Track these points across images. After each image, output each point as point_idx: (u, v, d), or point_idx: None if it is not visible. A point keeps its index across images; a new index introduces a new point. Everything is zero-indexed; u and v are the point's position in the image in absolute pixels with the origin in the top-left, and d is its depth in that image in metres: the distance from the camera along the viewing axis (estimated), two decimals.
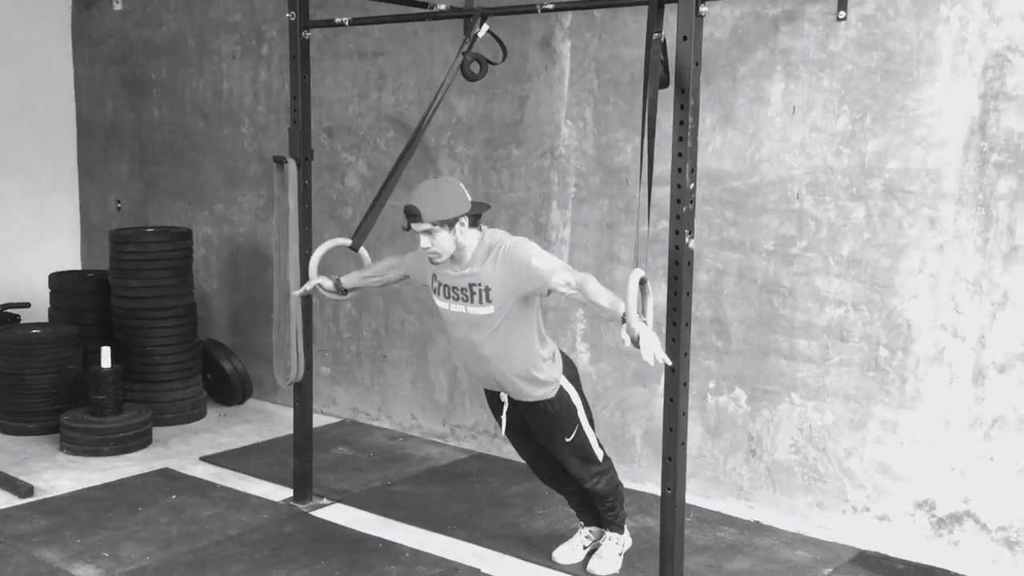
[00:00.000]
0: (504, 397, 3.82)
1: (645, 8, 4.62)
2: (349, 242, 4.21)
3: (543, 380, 3.72)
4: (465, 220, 3.55)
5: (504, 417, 3.86)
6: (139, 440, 5.53)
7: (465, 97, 5.38)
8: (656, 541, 4.30)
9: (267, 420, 6.17)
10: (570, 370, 3.86)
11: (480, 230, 3.64)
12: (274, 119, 6.31)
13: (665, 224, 4.76)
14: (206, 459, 5.41)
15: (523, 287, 3.55)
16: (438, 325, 5.63)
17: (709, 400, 4.73)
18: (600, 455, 3.91)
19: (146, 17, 6.89)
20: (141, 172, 7.14)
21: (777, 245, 4.48)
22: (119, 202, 7.32)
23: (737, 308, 4.61)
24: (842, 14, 4.20)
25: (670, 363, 3.31)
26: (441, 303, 3.76)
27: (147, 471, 5.18)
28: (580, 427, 3.82)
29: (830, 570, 4.13)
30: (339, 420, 6.11)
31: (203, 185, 6.76)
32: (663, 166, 4.74)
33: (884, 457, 4.29)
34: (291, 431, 5.79)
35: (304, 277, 4.55)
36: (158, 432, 5.77)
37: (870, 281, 4.26)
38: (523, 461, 4.96)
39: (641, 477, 4.97)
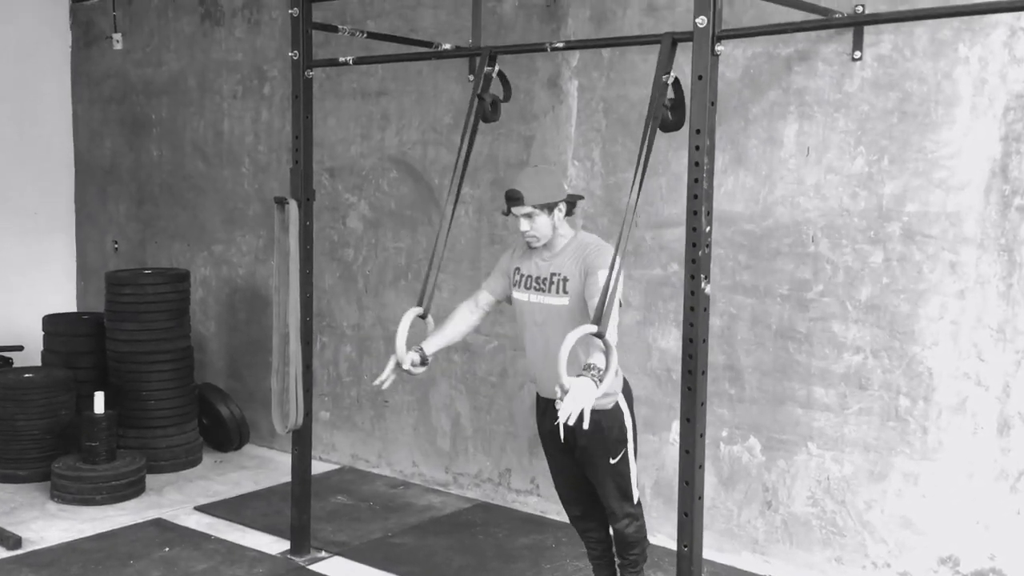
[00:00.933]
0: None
1: (653, 48, 4.59)
2: (421, 311, 3.87)
3: (603, 391, 3.57)
4: (563, 206, 3.60)
5: (561, 424, 3.67)
6: (132, 488, 5.37)
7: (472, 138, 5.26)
8: None
9: (263, 467, 6.00)
10: (628, 394, 3.76)
11: (574, 223, 3.72)
12: (275, 159, 6.21)
13: (675, 267, 4.66)
14: (201, 508, 5.24)
15: (581, 286, 3.54)
16: (443, 370, 5.50)
17: (722, 449, 4.58)
18: (636, 497, 3.80)
19: (146, 56, 6.82)
20: (139, 213, 7.03)
21: (792, 289, 4.35)
22: (116, 243, 7.20)
23: (751, 354, 4.47)
24: (857, 54, 4.10)
25: (570, 423, 3.16)
26: (520, 295, 3.72)
27: (140, 521, 5.01)
28: (626, 453, 3.71)
29: None
30: (338, 467, 5.94)
31: (202, 226, 6.65)
32: (671, 208, 4.66)
33: (906, 510, 4.14)
34: (288, 478, 5.64)
35: (308, 321, 4.44)
36: (152, 480, 5.60)
37: (889, 327, 4.13)
38: (536, 512, 4.78)
39: (651, 528, 4.75)
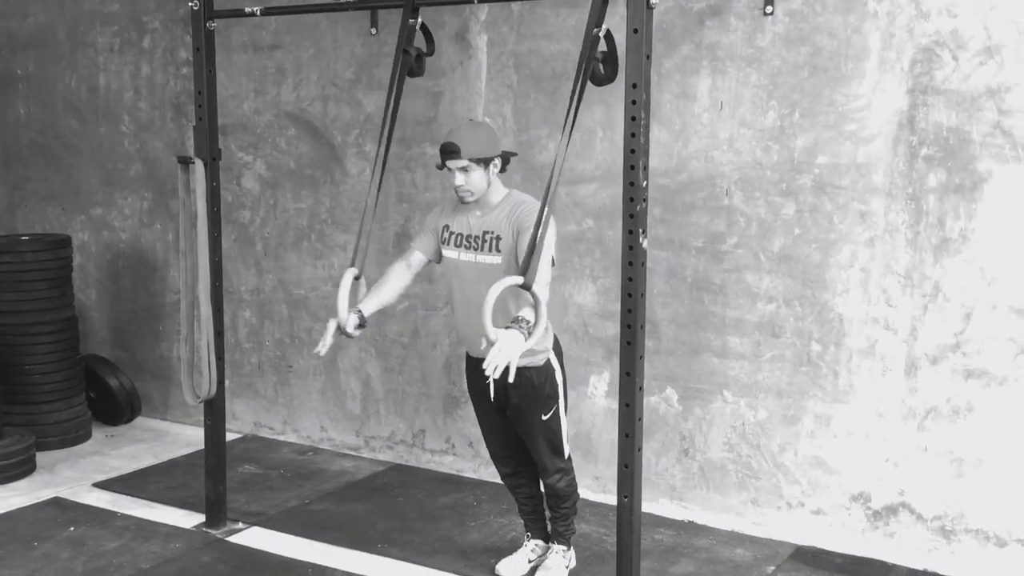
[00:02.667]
0: None
1: (563, 2, 4.56)
2: (356, 272, 3.73)
3: (534, 348, 3.55)
4: (498, 161, 3.61)
5: (492, 381, 3.63)
6: (23, 467, 5.08)
7: (374, 93, 5.14)
8: (594, 548, 4.25)
9: (160, 439, 5.77)
10: (559, 351, 3.79)
11: (507, 186, 3.72)
12: (158, 116, 5.90)
13: (590, 223, 4.68)
14: (99, 485, 5.01)
15: (514, 244, 3.54)
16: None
17: None
18: (567, 452, 3.84)
19: (9, 8, 6.35)
20: (6, 175, 6.58)
21: (707, 242, 4.43)
22: None
23: (667, 307, 4.54)
24: (769, 9, 4.17)
25: (495, 377, 3.14)
26: (451, 252, 3.69)
27: (37, 501, 4.75)
28: (557, 409, 3.74)
29: (772, 567, 4.11)
30: (240, 435, 5.77)
31: (78, 188, 6.28)
32: (585, 164, 4.66)
33: (818, 451, 4.31)
34: (188, 450, 5.50)
35: (218, 287, 4.26)
36: (42, 457, 5.32)
37: (801, 277, 4.26)
38: (453, 471, 4.79)
39: None
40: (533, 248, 3.22)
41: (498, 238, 3.59)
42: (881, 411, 4.16)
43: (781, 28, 4.18)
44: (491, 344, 3.11)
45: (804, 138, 4.18)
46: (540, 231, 3.24)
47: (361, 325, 3.67)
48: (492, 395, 3.76)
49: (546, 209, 3.26)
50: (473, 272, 3.64)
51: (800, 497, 4.36)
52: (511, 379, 3.17)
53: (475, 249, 3.63)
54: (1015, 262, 3.86)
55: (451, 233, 3.71)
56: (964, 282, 3.95)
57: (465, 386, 5.01)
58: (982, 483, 4.00)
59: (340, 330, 3.62)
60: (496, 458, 3.99)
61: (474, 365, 3.80)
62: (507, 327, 3.18)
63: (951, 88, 3.89)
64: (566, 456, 3.86)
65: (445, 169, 3.59)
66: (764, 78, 4.23)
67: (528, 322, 3.20)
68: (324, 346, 3.61)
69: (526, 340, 3.17)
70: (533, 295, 3.21)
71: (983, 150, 3.86)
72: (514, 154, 3.77)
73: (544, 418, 3.74)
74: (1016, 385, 3.90)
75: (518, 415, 3.76)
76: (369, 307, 3.71)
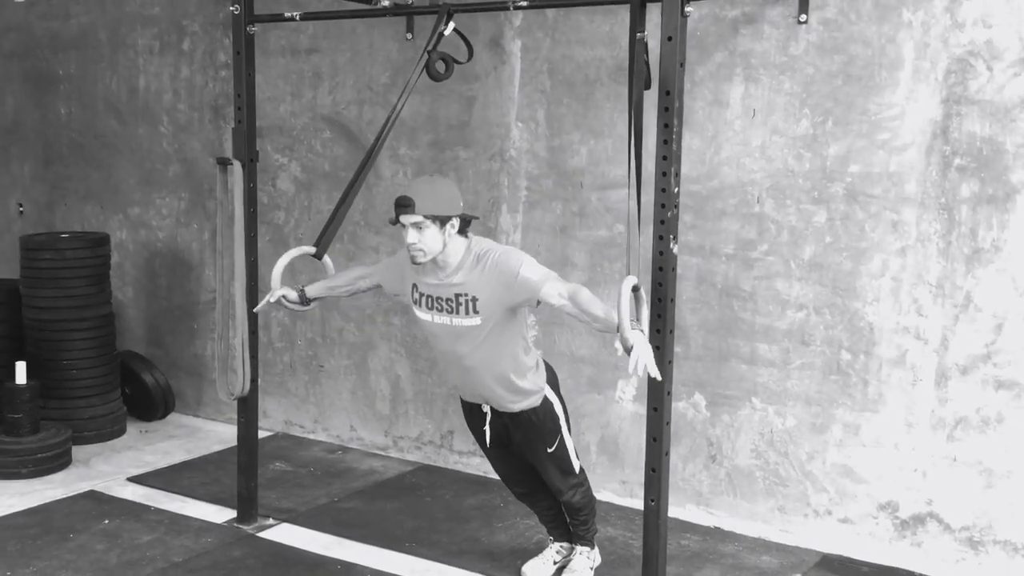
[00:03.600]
0: (487, 408, 3.68)
1: (599, 8, 4.59)
2: (312, 250, 3.95)
3: (528, 390, 3.61)
4: (456, 222, 3.43)
5: (488, 428, 3.70)
6: (59, 461, 5.17)
7: (409, 97, 5.17)
8: (620, 552, 4.27)
9: (192, 436, 5.86)
10: (553, 378, 3.76)
11: (467, 237, 3.50)
12: (196, 118, 5.99)
13: (621, 228, 4.70)
14: (134, 479, 5.09)
15: (512, 298, 3.42)
16: (382, 333, 5.45)
17: None
18: (577, 466, 3.82)
19: (52, 9, 6.47)
20: (46, 173, 6.71)
21: (737, 249, 4.44)
22: (21, 205, 6.86)
23: (696, 313, 4.56)
24: (803, 17, 4.19)
25: (660, 377, 3.19)
26: (423, 315, 3.59)
27: (72, 494, 4.84)
28: (562, 437, 3.73)
29: (798, 575, 4.11)
30: (271, 434, 5.84)
31: (116, 187, 6.38)
32: (617, 170, 4.69)
33: (846, 460, 4.30)
34: (220, 447, 5.57)
35: (253, 286, 4.32)
36: (77, 451, 5.41)
37: (832, 285, 4.26)
38: (480, 472, 4.84)
39: (596, 485, 4.84)
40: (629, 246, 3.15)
41: (474, 299, 3.44)
42: (910, 421, 4.16)
43: (815, 36, 4.19)
44: (628, 349, 3.02)
45: (836, 146, 4.19)
46: (632, 232, 3.20)
47: (304, 303, 3.87)
48: (488, 440, 3.76)
49: (632, 212, 3.24)
50: (449, 334, 3.54)
51: (828, 505, 4.36)
52: (656, 376, 3.07)
53: (449, 312, 3.50)
54: None
55: (421, 294, 3.56)
56: (996, 293, 3.94)
57: None
58: (1011, 494, 3.98)
59: (284, 300, 3.88)
60: (507, 482, 4.00)
61: (469, 409, 3.80)
62: (633, 330, 3.04)
63: (985, 98, 3.89)
64: (577, 471, 3.84)
65: (398, 224, 3.40)
66: (797, 86, 4.24)
67: (637, 322, 3.10)
68: (258, 308, 3.97)
69: (644, 332, 3.08)
70: (638, 296, 3.10)
71: (1016, 161, 3.85)
72: (475, 218, 3.59)
73: (550, 451, 3.73)
74: None
75: (523, 450, 3.77)
76: (314, 290, 3.89)
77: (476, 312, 3.46)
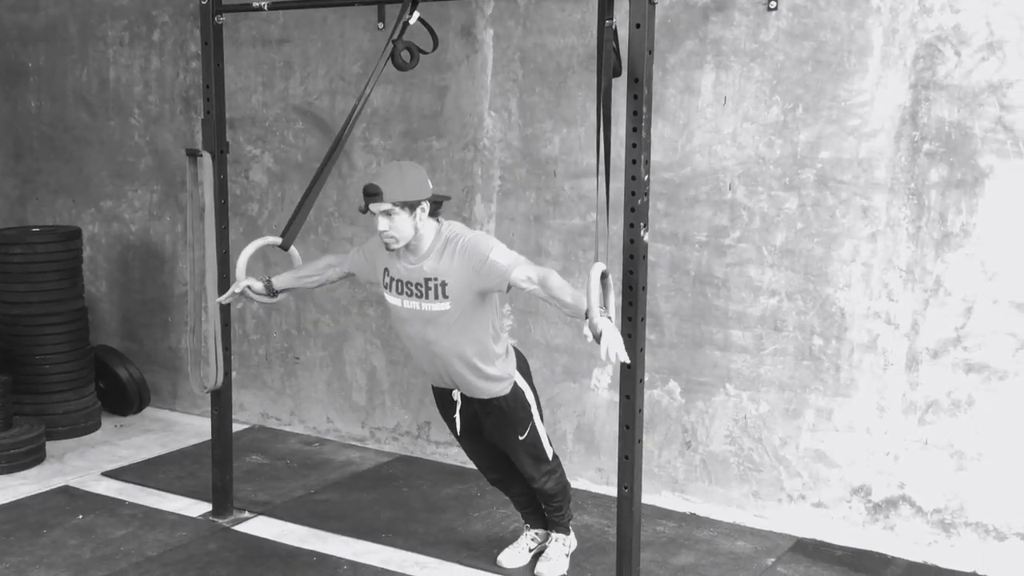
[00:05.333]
0: (456, 395, 3.69)
1: None
2: (279, 240, 3.94)
3: (498, 376, 3.61)
4: (426, 206, 3.44)
5: (457, 417, 3.71)
6: (33, 456, 5.14)
7: (381, 87, 5.17)
8: (595, 539, 4.29)
9: (168, 430, 5.83)
10: (523, 365, 3.76)
11: (438, 222, 3.51)
12: (167, 110, 5.95)
13: (594, 216, 4.70)
14: (108, 474, 5.06)
15: (482, 283, 3.42)
16: (357, 324, 5.43)
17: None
18: (550, 453, 3.83)
19: (21, 1, 6.40)
20: (17, 167, 6.64)
21: (710, 236, 4.46)
22: None
23: (670, 300, 4.57)
24: (773, 4, 4.19)
25: (629, 362, 3.21)
26: (393, 299, 3.60)
27: (46, 490, 4.81)
28: (533, 424, 3.74)
29: (772, 560, 4.14)
30: (248, 426, 5.82)
31: (88, 180, 6.33)
32: (590, 158, 4.68)
33: (819, 445, 4.33)
34: (196, 440, 5.55)
35: (225, 279, 4.29)
36: (51, 447, 5.37)
37: (803, 271, 4.28)
38: (457, 463, 4.84)
39: (573, 473, 4.85)
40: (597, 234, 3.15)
41: (444, 284, 3.46)
42: (882, 405, 4.19)
43: (784, 23, 4.19)
44: (596, 336, 3.03)
45: (807, 133, 4.20)
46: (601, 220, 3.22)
47: (270, 294, 3.82)
48: (459, 428, 3.77)
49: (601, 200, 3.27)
50: (419, 319, 3.55)
51: (801, 490, 4.39)
52: (625, 360, 3.08)
53: (419, 297, 3.51)
54: (1016, 257, 3.88)
55: (392, 279, 3.57)
56: (965, 277, 3.97)
57: None
58: (982, 477, 4.02)
59: (248, 290, 3.80)
60: (481, 469, 4.01)
61: (440, 395, 3.81)
62: (602, 316, 3.05)
63: (953, 83, 3.91)
64: (550, 458, 3.85)
65: (368, 213, 3.42)
66: (767, 73, 4.25)
67: (605, 308, 3.10)
68: (223, 299, 3.88)
69: (613, 322, 3.10)
70: (606, 283, 3.12)
71: (985, 145, 3.88)
72: (447, 198, 3.61)
73: (521, 438, 3.74)
74: (1016, 379, 3.92)
75: (494, 437, 3.78)
76: (281, 282, 3.85)
77: (445, 297, 3.47)
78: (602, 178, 3.30)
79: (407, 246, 3.47)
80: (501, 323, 3.69)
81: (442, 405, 3.81)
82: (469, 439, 3.85)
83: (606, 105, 3.33)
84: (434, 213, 3.48)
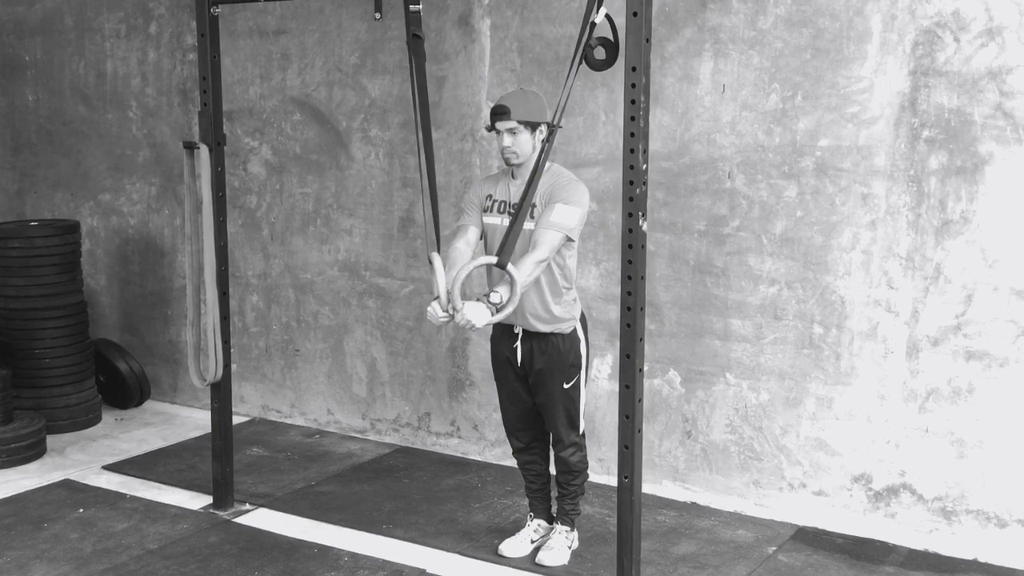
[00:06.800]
0: (518, 329, 3.81)
1: None
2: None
3: (561, 317, 3.77)
4: (544, 128, 3.67)
5: (519, 345, 3.82)
6: (33, 450, 5.14)
7: (379, 78, 5.16)
8: (596, 528, 4.29)
9: (169, 423, 5.83)
10: (585, 323, 3.91)
11: (551, 159, 3.74)
12: (165, 102, 5.94)
13: (593, 206, 4.69)
14: (109, 468, 5.06)
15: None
16: (357, 316, 5.42)
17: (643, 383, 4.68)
18: (582, 427, 3.94)
19: None
20: (15, 161, 6.63)
21: (709, 225, 4.44)
22: None
23: (670, 290, 4.56)
24: None
25: (473, 325, 3.43)
26: (494, 219, 3.80)
27: (46, 483, 4.81)
28: (579, 380, 3.84)
29: (774, 548, 4.13)
30: (248, 419, 5.82)
31: (86, 174, 6.32)
32: (588, 148, 4.68)
33: (820, 433, 4.33)
34: (196, 433, 5.55)
35: (225, 272, 4.29)
36: (52, 440, 5.38)
37: (803, 259, 4.27)
38: (458, 454, 4.84)
39: None
40: (512, 229, 3.44)
41: (533, 206, 3.69)
42: (882, 393, 4.18)
43: (783, 10, 4.18)
44: (456, 311, 3.43)
45: (806, 120, 4.19)
46: (521, 212, 3.46)
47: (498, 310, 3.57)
48: (519, 359, 3.82)
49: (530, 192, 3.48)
50: None
51: (802, 478, 4.39)
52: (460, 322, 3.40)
53: (514, 215, 3.66)
54: (1016, 244, 3.87)
55: (494, 201, 3.82)
56: (965, 264, 3.96)
57: (469, 368, 5.06)
58: (983, 464, 4.02)
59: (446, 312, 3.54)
60: (511, 431, 4.02)
61: (501, 331, 3.90)
62: (478, 299, 3.47)
63: (953, 70, 3.90)
64: (581, 431, 3.94)
65: (493, 131, 3.72)
66: (766, 60, 4.24)
67: (500, 300, 3.45)
68: (441, 321, 3.55)
69: (492, 317, 3.44)
70: (509, 274, 3.42)
71: (984, 132, 3.87)
72: (560, 127, 3.61)
73: (566, 387, 3.83)
74: (1017, 367, 3.92)
75: (540, 381, 3.83)
76: (456, 293, 3.57)
77: (532, 218, 3.67)
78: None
79: (521, 166, 3.71)
80: (573, 273, 3.82)
81: (500, 342, 3.89)
82: (514, 386, 3.90)
83: (567, 95, 3.42)
84: (549, 138, 3.60)
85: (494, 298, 3.47)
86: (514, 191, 3.75)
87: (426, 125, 3.80)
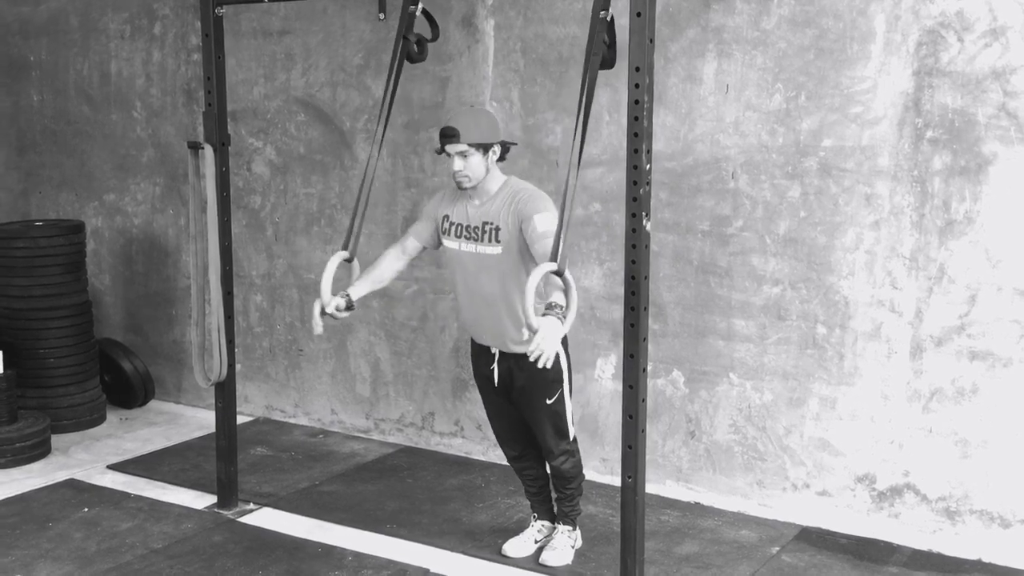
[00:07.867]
0: (495, 350, 3.77)
1: None
2: (347, 254, 3.81)
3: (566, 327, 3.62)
4: (498, 148, 3.61)
5: (496, 367, 3.77)
6: (38, 450, 5.15)
7: (383, 79, 5.14)
8: (599, 528, 4.29)
9: (173, 422, 5.84)
10: (564, 337, 3.76)
11: (505, 176, 3.67)
12: (169, 102, 5.95)
13: (597, 206, 4.70)
14: (114, 467, 5.08)
15: (523, 237, 3.55)
16: (360, 316, 5.43)
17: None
18: (571, 433, 3.88)
19: None
20: (20, 161, 6.65)
21: (713, 225, 4.45)
22: None
23: (673, 290, 4.56)
24: None
25: (549, 366, 3.18)
26: (451, 243, 3.72)
27: (51, 483, 4.82)
28: (562, 393, 3.78)
29: (777, 548, 4.14)
30: (252, 419, 5.83)
31: (91, 174, 6.33)
32: (592, 148, 4.68)
33: (823, 433, 4.33)
34: (201, 433, 5.56)
35: (229, 272, 4.30)
36: (57, 440, 5.39)
37: (807, 259, 4.27)
38: (462, 453, 4.84)
39: None
40: (559, 235, 3.20)
41: (497, 229, 3.60)
42: (886, 393, 4.18)
43: (787, 11, 4.18)
44: (533, 333, 3.11)
45: (809, 121, 4.19)
46: (564, 218, 3.23)
47: (349, 308, 3.71)
48: (496, 380, 3.81)
49: (570, 194, 3.27)
50: (474, 263, 3.67)
51: (805, 479, 4.39)
52: (549, 365, 3.14)
53: (475, 240, 3.66)
54: (1020, 244, 3.87)
55: (451, 223, 3.73)
56: (969, 264, 3.96)
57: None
58: (987, 464, 4.01)
59: (323, 312, 3.65)
60: (502, 441, 4.03)
61: (478, 351, 3.86)
62: (544, 314, 3.17)
63: (956, 70, 3.89)
64: (571, 438, 3.89)
65: (444, 154, 3.61)
66: (770, 61, 4.24)
67: (562, 307, 3.21)
68: (318, 326, 3.68)
69: (562, 324, 3.16)
70: (564, 280, 3.21)
71: (988, 132, 3.86)
72: (514, 144, 3.76)
73: (549, 402, 3.77)
74: (1021, 367, 3.91)
75: (523, 398, 3.80)
76: (358, 291, 3.77)
77: (497, 241, 3.59)
78: (573, 173, 3.29)
79: (475, 188, 3.61)
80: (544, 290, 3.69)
81: (479, 361, 3.86)
82: (498, 403, 3.89)
83: (589, 95, 3.32)
84: (503, 157, 3.62)
85: (558, 307, 3.19)
86: (472, 212, 3.65)
87: (383, 129, 3.80)
